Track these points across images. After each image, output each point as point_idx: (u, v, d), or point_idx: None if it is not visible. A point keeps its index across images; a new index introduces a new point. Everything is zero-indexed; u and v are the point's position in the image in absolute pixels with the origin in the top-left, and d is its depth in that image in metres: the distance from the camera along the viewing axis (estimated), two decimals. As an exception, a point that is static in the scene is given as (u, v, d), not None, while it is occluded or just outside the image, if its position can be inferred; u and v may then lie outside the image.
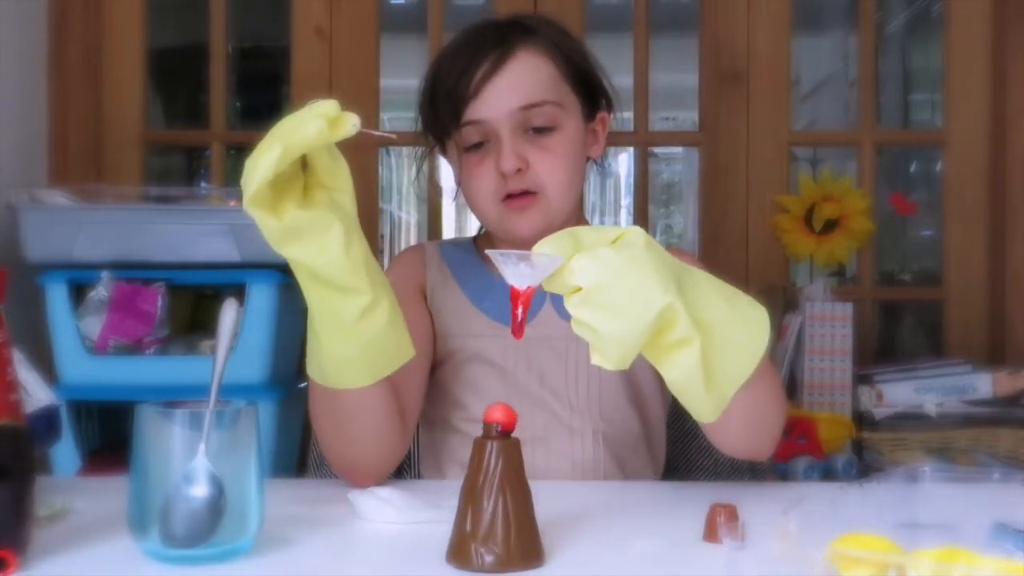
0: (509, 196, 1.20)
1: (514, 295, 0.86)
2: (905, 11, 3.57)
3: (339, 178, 0.93)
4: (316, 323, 1.00)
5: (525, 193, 1.20)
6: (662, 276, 0.88)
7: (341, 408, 1.07)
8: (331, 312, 0.98)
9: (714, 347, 0.93)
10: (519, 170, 1.19)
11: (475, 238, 1.37)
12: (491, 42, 1.20)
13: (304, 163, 0.91)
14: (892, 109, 3.58)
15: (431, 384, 1.27)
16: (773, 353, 2.06)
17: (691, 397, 0.96)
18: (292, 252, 0.93)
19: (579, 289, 0.86)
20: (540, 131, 1.20)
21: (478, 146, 1.21)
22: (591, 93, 1.27)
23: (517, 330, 0.86)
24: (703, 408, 0.96)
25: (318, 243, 0.92)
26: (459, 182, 1.26)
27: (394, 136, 0.93)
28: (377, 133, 0.92)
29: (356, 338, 0.99)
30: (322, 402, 1.08)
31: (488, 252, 0.88)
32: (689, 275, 0.93)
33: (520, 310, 0.86)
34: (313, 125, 0.86)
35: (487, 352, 1.26)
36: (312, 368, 1.05)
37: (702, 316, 0.91)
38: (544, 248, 0.86)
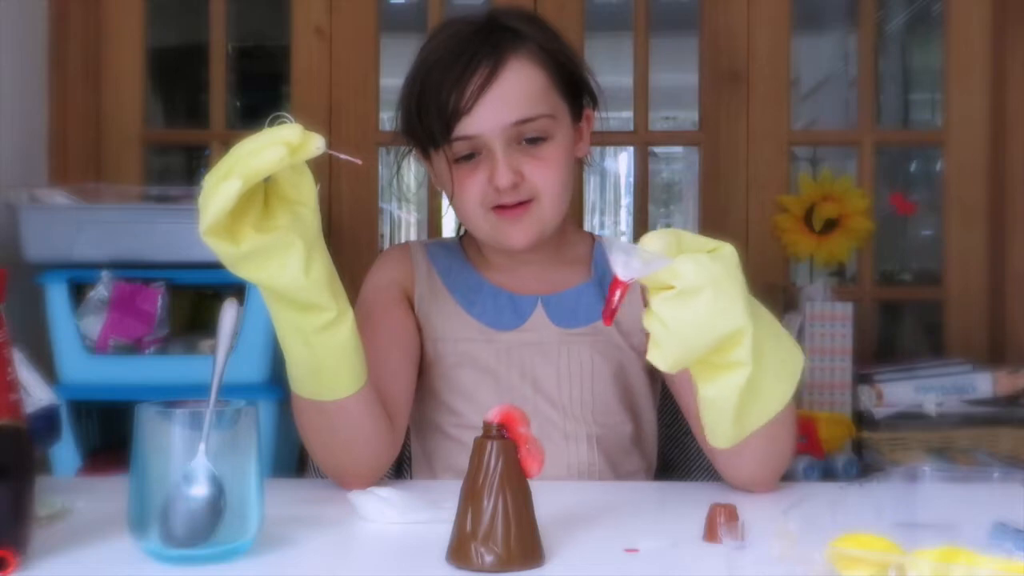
0: (501, 205, 1.19)
1: (616, 284, 0.88)
2: (905, 10, 3.57)
3: (303, 191, 0.90)
4: (281, 339, 0.98)
5: (520, 203, 1.19)
6: (745, 297, 0.91)
7: (321, 418, 1.06)
8: (295, 328, 0.96)
9: (753, 382, 0.95)
10: (514, 184, 1.18)
11: (461, 238, 1.36)
12: (481, 52, 1.17)
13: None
14: (892, 109, 3.58)
15: (421, 388, 1.27)
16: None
17: (717, 420, 0.98)
18: (250, 275, 0.91)
19: (669, 287, 0.88)
20: (532, 141, 1.19)
21: (468, 157, 1.19)
22: (577, 93, 1.26)
23: (609, 316, 0.88)
24: (723, 434, 0.99)
25: (276, 264, 0.90)
26: (448, 191, 1.24)
27: (359, 161, 0.92)
28: (343, 156, 0.90)
29: (322, 352, 0.98)
30: (303, 412, 1.07)
31: (602, 238, 0.89)
32: (755, 308, 0.95)
33: (616, 298, 0.87)
34: (273, 153, 0.84)
35: (478, 357, 1.25)
36: (290, 379, 1.04)
37: (755, 350, 0.93)
38: (653, 244, 0.88)
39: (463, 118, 1.17)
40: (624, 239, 3.90)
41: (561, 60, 1.23)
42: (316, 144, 0.86)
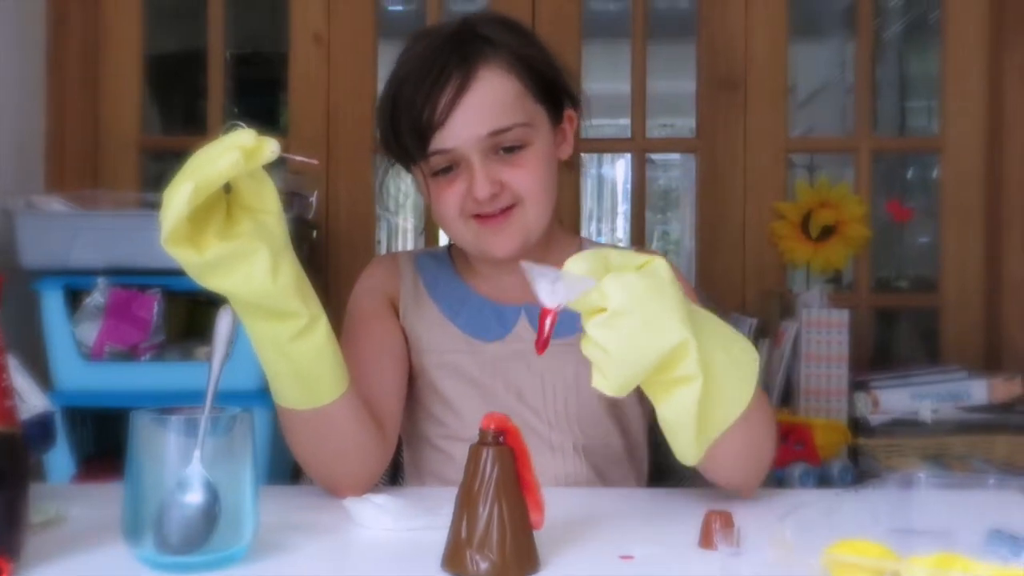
0: (482, 214, 1.18)
1: (544, 312, 0.85)
2: (902, 18, 3.58)
3: (265, 199, 0.89)
4: (258, 351, 0.97)
5: (502, 210, 1.18)
6: (681, 311, 0.88)
7: (307, 427, 1.05)
8: (270, 339, 0.95)
9: (708, 392, 0.92)
10: (494, 194, 1.17)
11: (449, 248, 1.35)
12: (452, 63, 1.16)
13: (227, 185, 0.88)
14: (889, 116, 3.59)
15: (409, 399, 1.26)
16: (767, 369, 2.06)
17: (680, 437, 0.95)
18: (216, 284, 0.89)
19: (602, 310, 0.85)
20: (510, 149, 1.18)
21: (447, 169, 1.18)
22: (556, 97, 1.24)
23: (541, 346, 0.85)
24: (688, 450, 0.96)
25: (242, 272, 0.89)
26: (428, 201, 1.23)
27: (316, 162, 0.91)
28: (299, 158, 0.90)
29: (299, 359, 0.97)
30: (289, 424, 1.06)
31: (522, 264, 0.85)
32: (697, 315, 0.93)
33: (547, 327, 0.85)
34: (227, 159, 0.83)
35: (463, 368, 1.25)
36: (272, 392, 1.03)
37: (704, 358, 0.91)
38: (577, 267, 0.86)
39: (437, 132, 1.15)
40: (622, 243, 3.90)
41: (536, 65, 1.21)
42: (270, 148, 0.85)
